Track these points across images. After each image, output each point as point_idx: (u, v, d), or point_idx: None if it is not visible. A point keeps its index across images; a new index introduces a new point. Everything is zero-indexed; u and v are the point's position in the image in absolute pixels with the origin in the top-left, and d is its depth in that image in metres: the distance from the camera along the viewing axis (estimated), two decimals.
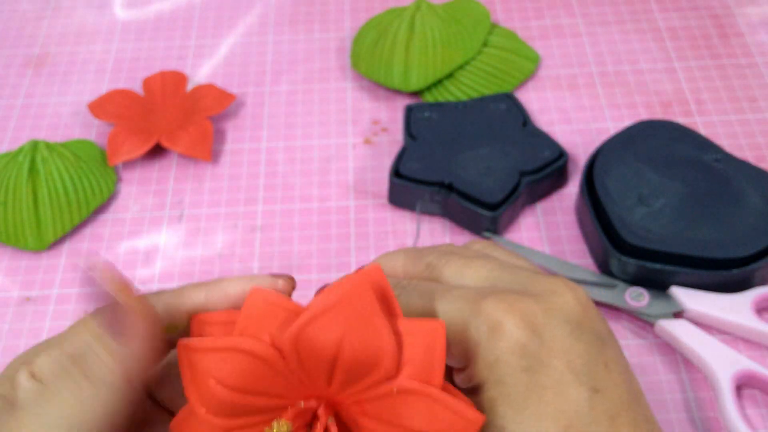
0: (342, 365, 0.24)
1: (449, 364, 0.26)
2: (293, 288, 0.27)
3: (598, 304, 0.45)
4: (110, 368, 0.25)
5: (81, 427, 0.24)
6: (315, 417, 0.26)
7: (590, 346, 0.25)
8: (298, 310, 0.25)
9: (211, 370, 0.25)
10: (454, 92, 0.55)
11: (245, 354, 0.25)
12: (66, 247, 0.49)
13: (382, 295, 0.25)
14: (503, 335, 0.24)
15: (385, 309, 0.25)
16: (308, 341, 0.24)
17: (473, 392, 0.25)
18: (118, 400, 0.25)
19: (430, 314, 0.26)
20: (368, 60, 0.56)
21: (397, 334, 0.24)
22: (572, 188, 0.50)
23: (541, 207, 0.49)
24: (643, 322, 0.44)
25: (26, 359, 0.26)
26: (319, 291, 0.27)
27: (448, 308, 0.26)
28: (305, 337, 0.24)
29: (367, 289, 0.24)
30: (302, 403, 0.25)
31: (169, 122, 0.53)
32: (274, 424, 0.25)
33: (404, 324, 0.25)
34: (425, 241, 0.48)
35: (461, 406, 0.24)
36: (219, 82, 0.58)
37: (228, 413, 0.25)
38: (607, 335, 0.26)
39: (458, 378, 0.27)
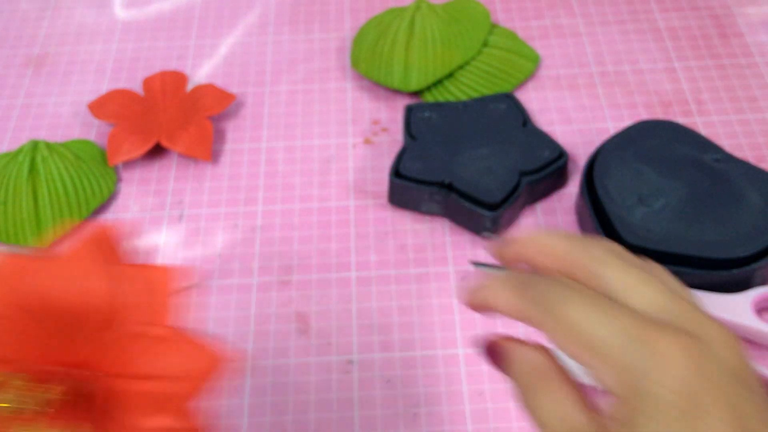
0: (75, 320, 0.25)
1: (597, 385, 0.26)
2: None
3: None
4: None
5: None
6: (55, 379, 0.25)
7: (751, 400, 0.24)
8: (36, 270, 0.25)
9: None
10: (454, 92, 0.55)
11: None
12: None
13: (110, 250, 0.26)
14: (668, 372, 0.24)
15: (108, 261, 0.26)
16: (41, 299, 0.25)
17: (621, 423, 0.24)
18: None
19: (588, 324, 0.25)
20: (368, 60, 0.56)
21: (126, 282, 0.25)
22: (572, 188, 0.50)
23: (541, 207, 0.49)
24: None
25: None
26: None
27: (611, 325, 0.25)
28: (38, 295, 0.25)
29: (94, 245, 0.25)
30: (43, 367, 0.25)
31: (169, 122, 0.53)
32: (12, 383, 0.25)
33: (132, 272, 0.26)
34: (425, 240, 0.48)
35: (195, 343, 0.25)
36: (219, 82, 0.58)
37: None
38: (763, 392, 0.25)
39: (604, 402, 0.26)
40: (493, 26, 0.59)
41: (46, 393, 0.25)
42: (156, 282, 0.25)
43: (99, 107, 0.55)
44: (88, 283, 0.25)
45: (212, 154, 0.53)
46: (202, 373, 0.24)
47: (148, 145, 0.52)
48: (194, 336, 0.24)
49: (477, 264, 0.46)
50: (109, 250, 0.26)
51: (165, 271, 0.26)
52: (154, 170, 0.53)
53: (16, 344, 0.24)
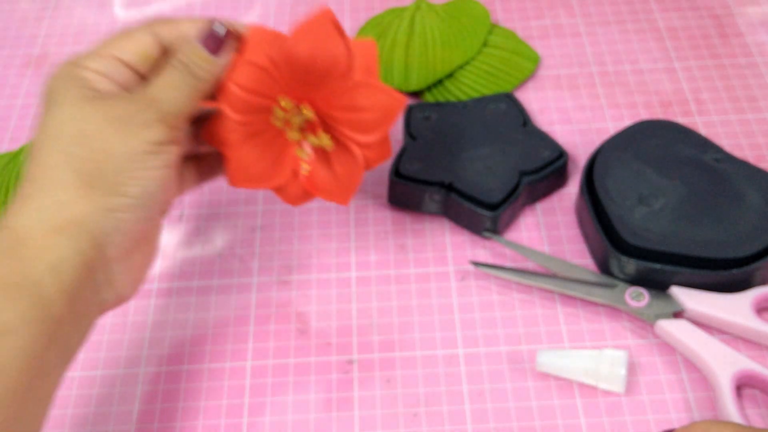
0: (315, 70, 0.37)
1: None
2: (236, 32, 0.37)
3: (598, 304, 0.45)
4: (206, 68, 0.36)
5: (183, 109, 0.35)
6: (299, 110, 0.39)
7: None
8: (284, 38, 0.37)
9: (232, 77, 0.37)
10: (454, 92, 0.55)
11: (253, 65, 0.37)
12: None
13: (336, 26, 0.37)
14: None
15: (340, 34, 0.37)
16: (291, 56, 0.37)
17: None
18: (201, 96, 0.36)
19: None
20: None
21: (348, 49, 0.37)
22: (572, 188, 0.50)
23: (541, 207, 0.49)
24: (643, 322, 0.44)
25: (103, 51, 0.36)
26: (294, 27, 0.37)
27: None
28: (289, 53, 0.37)
29: (327, 22, 0.37)
30: (290, 102, 0.38)
31: None
32: (282, 102, 0.38)
33: (351, 42, 0.38)
34: (424, 240, 0.48)
35: (392, 90, 0.38)
36: None
37: (242, 110, 0.37)
38: None
39: None
40: (493, 26, 0.59)
41: (304, 114, 0.39)
42: (367, 51, 0.38)
43: None
44: (335, 49, 0.37)
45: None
46: (392, 108, 0.38)
47: None
48: (386, 87, 0.38)
49: (477, 264, 0.46)
50: (337, 27, 0.37)
51: (371, 45, 0.38)
52: None
53: (272, 86, 0.38)
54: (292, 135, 0.39)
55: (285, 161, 0.40)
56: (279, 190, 0.41)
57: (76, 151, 0.33)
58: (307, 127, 0.39)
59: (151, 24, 0.37)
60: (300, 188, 0.41)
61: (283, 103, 0.38)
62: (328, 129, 0.39)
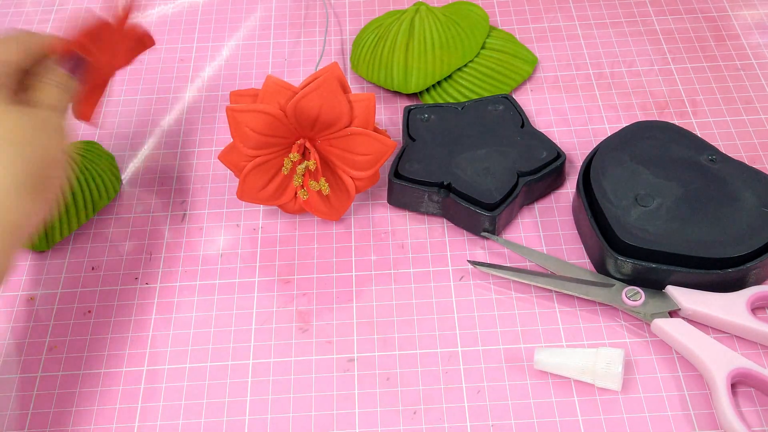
0: (320, 121, 0.44)
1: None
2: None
3: (595, 303, 0.45)
4: (71, 84, 0.42)
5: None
6: (305, 149, 0.46)
7: None
8: (295, 90, 0.44)
9: (247, 122, 0.44)
10: (453, 94, 0.55)
11: (266, 114, 0.44)
12: (70, 247, 0.50)
13: (341, 82, 0.44)
14: None
15: (342, 89, 0.44)
16: (301, 108, 0.44)
17: None
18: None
19: None
20: (368, 62, 0.57)
21: (349, 103, 0.44)
22: (569, 188, 0.51)
23: (538, 207, 0.50)
24: (639, 320, 0.44)
25: None
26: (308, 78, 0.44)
27: None
28: (299, 106, 0.44)
29: (334, 80, 0.43)
30: (298, 141, 0.46)
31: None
32: (291, 154, 0.45)
33: (352, 96, 0.45)
34: (424, 240, 0.49)
35: (384, 138, 0.45)
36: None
37: (255, 147, 0.45)
38: None
39: None
40: (492, 29, 0.59)
41: (308, 165, 0.45)
42: (365, 105, 0.44)
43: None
44: (339, 106, 0.44)
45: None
46: (384, 153, 0.46)
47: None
48: (379, 136, 0.45)
49: (475, 264, 0.47)
50: (342, 82, 0.44)
51: (369, 98, 0.44)
52: (157, 171, 0.53)
53: (281, 129, 0.45)
54: (297, 180, 0.46)
55: (287, 188, 0.47)
56: (280, 206, 0.48)
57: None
58: (308, 174, 0.46)
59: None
60: (299, 206, 0.48)
61: (291, 156, 0.45)
62: (325, 161, 0.46)
